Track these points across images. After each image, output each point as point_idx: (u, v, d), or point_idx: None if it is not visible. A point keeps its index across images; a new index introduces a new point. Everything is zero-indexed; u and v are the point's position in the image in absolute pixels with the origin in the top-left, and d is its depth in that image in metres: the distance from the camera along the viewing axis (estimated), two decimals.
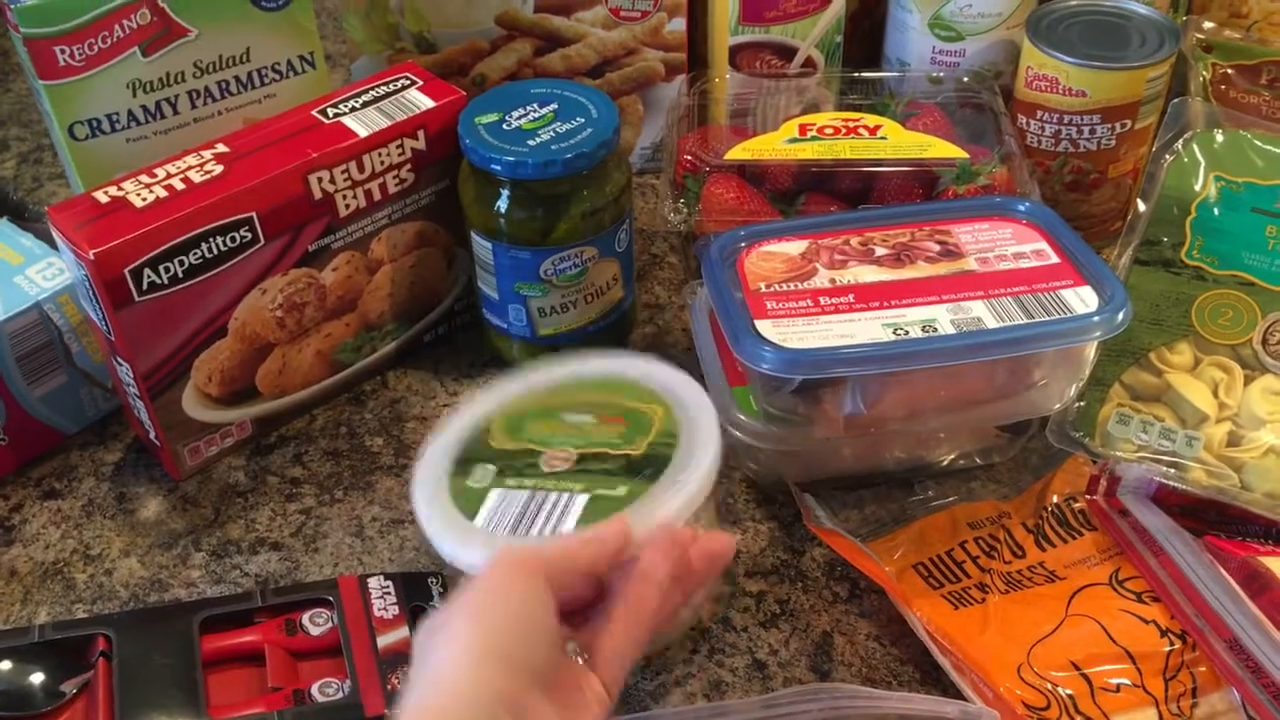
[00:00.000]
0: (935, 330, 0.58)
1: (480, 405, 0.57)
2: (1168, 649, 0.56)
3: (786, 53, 0.82)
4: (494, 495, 0.52)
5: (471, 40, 0.83)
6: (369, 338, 0.72)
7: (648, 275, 0.81)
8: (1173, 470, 0.62)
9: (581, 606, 0.47)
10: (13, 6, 0.64)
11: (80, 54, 0.66)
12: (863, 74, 0.82)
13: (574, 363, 0.58)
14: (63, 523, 0.66)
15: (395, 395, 0.73)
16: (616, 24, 0.83)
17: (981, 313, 0.59)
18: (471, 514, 0.51)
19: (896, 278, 0.62)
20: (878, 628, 0.59)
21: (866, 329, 0.58)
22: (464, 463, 0.54)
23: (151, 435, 0.66)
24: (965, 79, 0.80)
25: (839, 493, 0.66)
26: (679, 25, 0.84)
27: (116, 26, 0.66)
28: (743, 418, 0.62)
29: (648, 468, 0.51)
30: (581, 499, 0.50)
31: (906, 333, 0.58)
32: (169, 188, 0.61)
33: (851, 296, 0.60)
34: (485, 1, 0.81)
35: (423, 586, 0.60)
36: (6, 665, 0.56)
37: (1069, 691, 0.54)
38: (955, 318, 0.59)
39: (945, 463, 0.67)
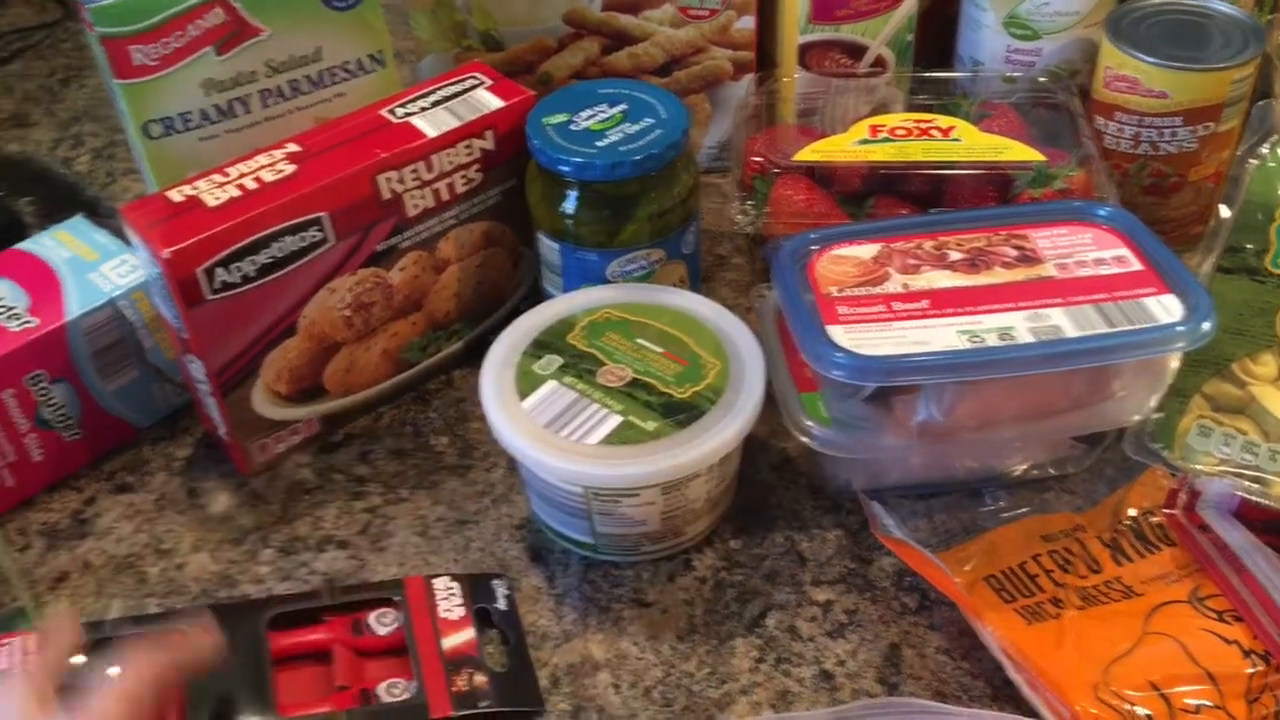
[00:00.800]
0: (1013, 338, 0.57)
1: (580, 298, 0.65)
2: (1250, 670, 0.54)
3: (856, 51, 0.80)
4: (548, 386, 0.60)
5: (538, 38, 0.83)
6: (435, 337, 0.72)
7: (713, 277, 0.80)
8: (1256, 485, 0.60)
9: None
10: (88, 6, 0.64)
11: (155, 53, 0.66)
12: (934, 73, 0.80)
13: (677, 296, 0.65)
14: (135, 516, 0.66)
15: (460, 395, 0.73)
16: (684, 22, 0.82)
17: (1060, 321, 0.58)
18: (524, 394, 0.59)
19: (972, 283, 0.60)
20: (948, 641, 0.58)
21: (941, 336, 0.57)
22: (540, 345, 0.62)
23: (221, 431, 0.67)
24: (1041, 79, 0.78)
25: (907, 501, 0.65)
26: (748, 23, 0.83)
27: (190, 26, 0.66)
28: (811, 424, 0.61)
29: (683, 413, 0.58)
30: (615, 420, 0.58)
31: (983, 340, 0.57)
32: (241, 187, 0.61)
33: (926, 302, 0.59)
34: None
35: (487, 589, 0.60)
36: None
37: (1147, 712, 0.53)
38: (1033, 326, 0.57)
39: (1017, 473, 0.66)
